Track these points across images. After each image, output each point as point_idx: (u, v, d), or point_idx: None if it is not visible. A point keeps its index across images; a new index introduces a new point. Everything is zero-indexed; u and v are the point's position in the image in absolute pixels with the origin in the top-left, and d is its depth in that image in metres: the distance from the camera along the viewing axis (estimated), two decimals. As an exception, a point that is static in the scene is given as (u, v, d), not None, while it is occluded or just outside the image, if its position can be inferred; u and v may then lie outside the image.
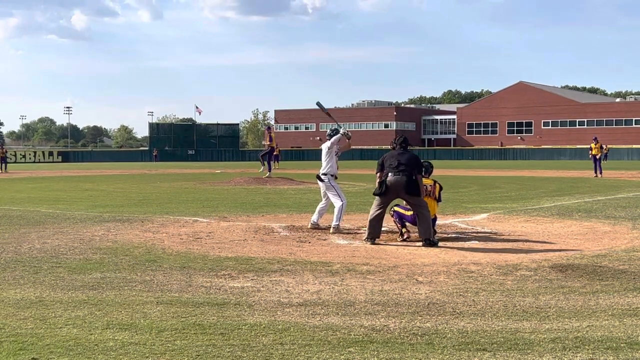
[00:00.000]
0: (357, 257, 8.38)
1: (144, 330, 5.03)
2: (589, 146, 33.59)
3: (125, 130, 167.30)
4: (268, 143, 28.62)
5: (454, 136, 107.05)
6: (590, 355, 4.48)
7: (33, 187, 24.73)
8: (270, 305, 5.81)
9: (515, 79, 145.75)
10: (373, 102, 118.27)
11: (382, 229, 9.91)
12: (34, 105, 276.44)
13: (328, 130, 11.62)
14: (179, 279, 6.96)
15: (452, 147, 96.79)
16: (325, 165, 11.24)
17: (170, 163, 67.92)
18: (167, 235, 10.45)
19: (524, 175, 34.26)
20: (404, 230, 9.94)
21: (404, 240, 9.82)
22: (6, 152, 43.83)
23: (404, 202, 10.01)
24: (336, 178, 11.36)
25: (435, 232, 9.67)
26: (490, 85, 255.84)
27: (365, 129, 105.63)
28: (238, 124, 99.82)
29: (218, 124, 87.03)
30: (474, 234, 10.60)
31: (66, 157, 78.30)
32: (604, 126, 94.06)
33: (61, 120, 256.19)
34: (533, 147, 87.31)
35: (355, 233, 10.67)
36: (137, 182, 28.07)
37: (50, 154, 78.45)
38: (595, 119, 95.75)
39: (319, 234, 10.58)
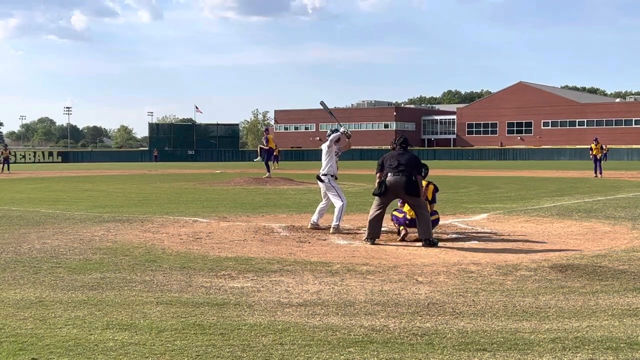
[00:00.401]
0: (357, 257, 8.38)
1: (143, 330, 5.03)
2: (589, 146, 33.64)
3: (125, 131, 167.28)
4: (265, 146, 28.64)
5: (454, 136, 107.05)
6: (590, 355, 4.48)
7: (33, 188, 24.73)
8: (270, 306, 5.81)
9: (515, 79, 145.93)
10: (373, 102, 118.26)
11: (382, 229, 9.92)
12: (34, 106, 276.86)
13: (328, 131, 11.61)
14: (178, 279, 6.96)
15: (452, 148, 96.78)
16: (325, 165, 11.24)
17: (170, 163, 67.91)
18: (167, 235, 10.45)
19: (523, 175, 34.26)
20: (401, 228, 9.96)
21: (402, 239, 9.83)
22: (10, 153, 44.08)
23: (399, 204, 10.05)
24: (336, 178, 11.35)
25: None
26: (490, 86, 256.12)
27: (365, 129, 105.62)
28: (238, 124, 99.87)
29: (218, 124, 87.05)
30: (474, 234, 10.60)
31: (66, 157, 78.34)
32: (604, 126, 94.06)
33: (61, 120, 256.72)
34: (533, 147, 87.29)
35: (355, 233, 10.67)
36: (137, 183, 28.07)
37: (50, 154, 78.49)
38: (595, 119, 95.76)
39: (319, 234, 10.58)
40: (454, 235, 10.45)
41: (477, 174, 36.76)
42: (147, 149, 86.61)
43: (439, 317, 5.43)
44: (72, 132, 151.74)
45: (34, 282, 6.81)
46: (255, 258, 8.28)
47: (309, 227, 11.13)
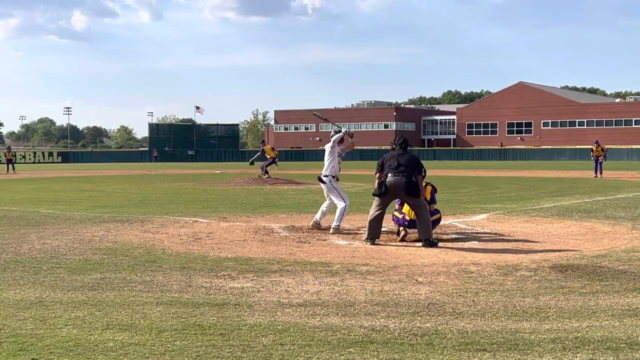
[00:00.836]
0: (357, 258, 8.38)
1: (143, 330, 5.03)
2: (590, 147, 33.75)
3: (125, 131, 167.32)
4: (271, 154, 29.09)
5: (454, 136, 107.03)
6: (590, 355, 4.48)
7: (33, 188, 24.73)
8: (270, 306, 5.81)
9: (515, 79, 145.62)
10: (373, 102, 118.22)
11: (382, 229, 9.92)
12: (34, 106, 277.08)
13: (332, 132, 11.56)
14: (178, 280, 6.96)
15: (452, 148, 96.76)
16: (327, 166, 11.21)
17: (170, 163, 67.90)
18: (167, 235, 10.45)
19: (523, 175, 34.27)
20: (400, 229, 9.97)
21: (402, 239, 9.83)
22: (14, 154, 44.45)
23: (397, 205, 10.06)
24: (337, 179, 11.32)
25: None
26: (490, 86, 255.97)
27: (365, 130, 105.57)
28: (238, 125, 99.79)
29: (218, 125, 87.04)
30: (474, 235, 10.60)
31: (66, 157, 78.34)
32: (604, 126, 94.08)
33: (61, 120, 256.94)
34: (533, 147, 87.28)
35: (355, 233, 10.67)
36: (137, 183, 28.07)
37: (50, 154, 78.47)
38: (595, 120, 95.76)
39: (319, 234, 10.58)
40: (454, 236, 10.45)
41: (477, 174, 36.76)
42: (147, 149, 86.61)
43: (439, 318, 5.43)
44: (72, 133, 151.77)
45: (34, 283, 6.81)
46: (255, 258, 8.28)
47: (310, 225, 11.12)
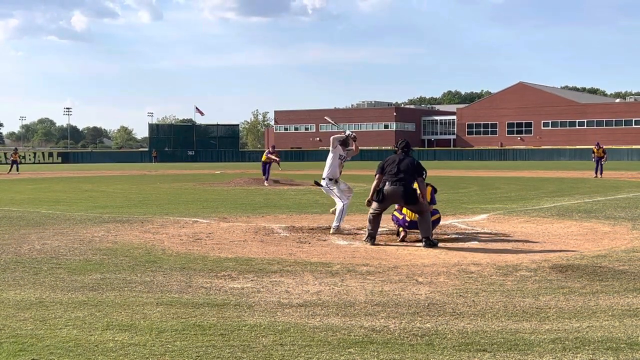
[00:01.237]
0: (357, 258, 8.38)
1: (144, 331, 5.03)
2: (591, 148, 33.81)
3: (125, 131, 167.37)
4: (277, 159, 28.63)
5: (454, 137, 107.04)
6: (591, 355, 4.48)
7: (33, 188, 24.74)
8: (270, 306, 5.81)
9: (515, 80, 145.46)
10: (373, 102, 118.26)
11: (383, 229, 9.93)
12: (34, 106, 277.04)
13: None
14: (179, 280, 6.96)
15: (452, 148, 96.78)
16: (327, 168, 11.15)
17: (170, 164, 67.91)
18: (167, 236, 10.45)
19: (523, 175, 34.28)
20: (400, 229, 9.98)
21: (402, 240, 9.84)
22: (19, 156, 44.70)
23: (396, 206, 10.07)
24: (336, 182, 11.18)
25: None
26: (490, 86, 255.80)
27: (365, 130, 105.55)
28: (238, 125, 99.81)
29: (218, 125, 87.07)
30: (474, 235, 10.60)
31: (66, 158, 78.34)
32: (604, 127, 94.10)
33: (61, 121, 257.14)
34: (533, 147, 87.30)
35: (355, 234, 10.67)
36: (137, 183, 28.07)
37: (50, 155, 78.48)
38: (595, 120, 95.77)
39: (319, 234, 10.58)
40: (454, 236, 10.45)
41: (477, 174, 36.77)
42: (147, 149, 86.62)
43: (439, 318, 5.43)
44: (72, 133, 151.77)
45: (34, 283, 6.81)
46: (255, 259, 8.29)
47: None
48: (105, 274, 7.26)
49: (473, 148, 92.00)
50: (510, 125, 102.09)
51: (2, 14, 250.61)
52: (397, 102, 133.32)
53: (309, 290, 6.46)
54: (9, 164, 41.89)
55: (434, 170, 36.71)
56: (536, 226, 11.72)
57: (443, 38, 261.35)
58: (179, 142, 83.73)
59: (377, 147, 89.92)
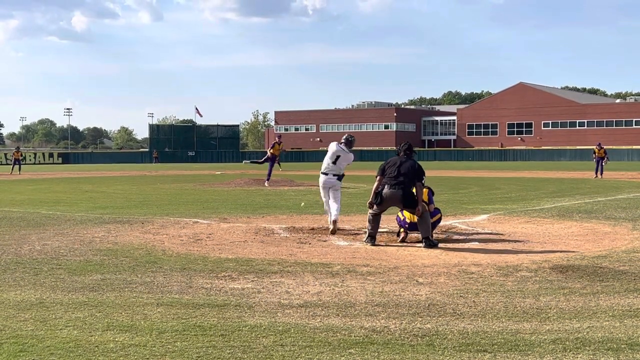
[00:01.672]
0: (358, 259, 8.38)
1: (144, 331, 5.04)
2: (592, 148, 33.83)
3: (126, 132, 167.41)
4: (271, 151, 28.20)
5: (454, 137, 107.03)
6: (591, 356, 4.48)
7: (33, 189, 24.74)
8: (270, 307, 5.82)
9: (515, 80, 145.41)
10: (373, 103, 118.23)
11: (384, 230, 9.93)
12: (34, 107, 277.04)
13: (342, 139, 11.30)
14: (179, 281, 6.96)
15: (452, 148, 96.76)
16: (337, 167, 11.01)
17: (170, 164, 67.91)
18: (168, 236, 10.45)
19: (524, 176, 34.27)
20: (401, 230, 9.99)
21: (402, 240, 9.85)
22: (21, 155, 44.75)
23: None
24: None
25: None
26: (490, 86, 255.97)
27: (365, 130, 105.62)
28: (238, 125, 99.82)
29: (218, 126, 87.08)
30: (475, 235, 10.60)
31: (66, 158, 78.36)
32: (604, 127, 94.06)
33: (61, 121, 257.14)
34: (533, 148, 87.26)
35: (355, 234, 10.67)
36: (138, 184, 28.08)
37: (51, 155, 78.49)
38: (595, 120, 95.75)
39: (319, 235, 10.58)
40: (454, 236, 10.45)
41: (477, 174, 36.77)
42: (147, 150, 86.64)
43: (440, 318, 5.43)
44: (72, 134, 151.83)
45: (34, 284, 6.81)
46: (255, 259, 8.29)
47: (330, 232, 10.67)
48: (106, 275, 7.26)
49: (473, 148, 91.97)
50: (510, 125, 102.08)
51: (2, 14, 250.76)
52: (397, 103, 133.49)
53: (309, 291, 6.46)
54: (9, 164, 41.84)
55: (435, 171, 36.74)
56: (536, 227, 11.72)
57: (443, 38, 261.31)
58: (180, 142, 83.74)
59: (377, 148, 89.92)
